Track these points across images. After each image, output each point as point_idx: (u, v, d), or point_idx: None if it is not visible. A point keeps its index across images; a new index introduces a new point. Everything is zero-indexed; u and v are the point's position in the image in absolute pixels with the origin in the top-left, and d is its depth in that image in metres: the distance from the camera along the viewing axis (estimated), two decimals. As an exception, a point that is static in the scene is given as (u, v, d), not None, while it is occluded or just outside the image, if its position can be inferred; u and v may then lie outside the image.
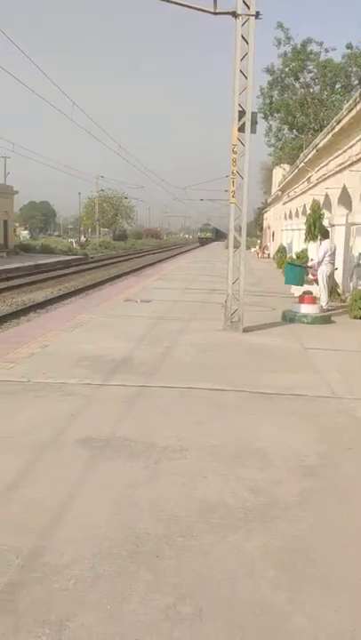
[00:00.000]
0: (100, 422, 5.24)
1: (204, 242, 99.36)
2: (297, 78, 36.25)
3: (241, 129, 10.01)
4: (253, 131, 10.11)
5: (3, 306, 17.57)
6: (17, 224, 71.27)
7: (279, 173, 39.97)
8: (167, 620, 2.65)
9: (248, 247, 12.02)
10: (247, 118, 9.92)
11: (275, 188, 42.30)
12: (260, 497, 3.88)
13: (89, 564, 3.07)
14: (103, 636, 2.54)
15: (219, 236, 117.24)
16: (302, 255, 22.25)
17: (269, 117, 37.42)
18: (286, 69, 36.00)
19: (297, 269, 14.25)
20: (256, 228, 69.80)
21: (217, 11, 9.80)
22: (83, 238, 78.47)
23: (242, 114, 9.97)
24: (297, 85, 36.51)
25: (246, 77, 9.89)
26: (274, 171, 45.40)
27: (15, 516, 3.53)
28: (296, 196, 28.29)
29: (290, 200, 31.24)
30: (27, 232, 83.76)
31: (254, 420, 5.47)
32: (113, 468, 4.28)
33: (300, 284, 13.76)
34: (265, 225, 55.28)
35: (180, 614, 2.69)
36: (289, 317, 11.70)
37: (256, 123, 10.28)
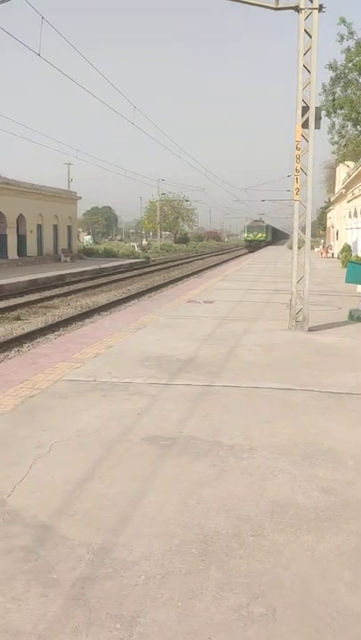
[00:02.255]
0: (167, 421, 5.24)
1: (253, 246, 66.28)
2: (361, 73, 35.39)
3: (305, 125, 9.83)
4: (318, 126, 9.90)
5: (68, 309, 17.91)
6: (80, 229, 72.70)
7: (343, 171, 39.08)
8: (240, 620, 2.59)
9: (311, 247, 11.73)
10: (311, 113, 9.73)
11: (338, 187, 41.44)
12: (333, 497, 3.76)
13: (159, 560, 3.05)
14: (175, 632, 2.51)
15: (276, 237, 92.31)
16: (368, 253, 21.67)
17: (332, 114, 36.68)
18: (350, 64, 35.17)
19: (359, 267, 13.87)
20: (319, 228, 68.60)
21: (279, 6, 9.66)
22: (144, 242, 79.34)
23: (305, 109, 9.80)
24: (361, 80, 35.64)
25: (310, 72, 9.70)
26: (337, 168, 44.48)
27: (86, 512, 3.55)
28: (361, 194, 27.59)
29: (354, 197, 30.51)
30: (89, 237, 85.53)
31: (323, 420, 5.33)
32: (180, 465, 4.26)
33: None
34: (328, 224, 54.25)
35: (253, 614, 2.63)
36: (356, 316, 11.42)
37: (320, 118, 10.06)
